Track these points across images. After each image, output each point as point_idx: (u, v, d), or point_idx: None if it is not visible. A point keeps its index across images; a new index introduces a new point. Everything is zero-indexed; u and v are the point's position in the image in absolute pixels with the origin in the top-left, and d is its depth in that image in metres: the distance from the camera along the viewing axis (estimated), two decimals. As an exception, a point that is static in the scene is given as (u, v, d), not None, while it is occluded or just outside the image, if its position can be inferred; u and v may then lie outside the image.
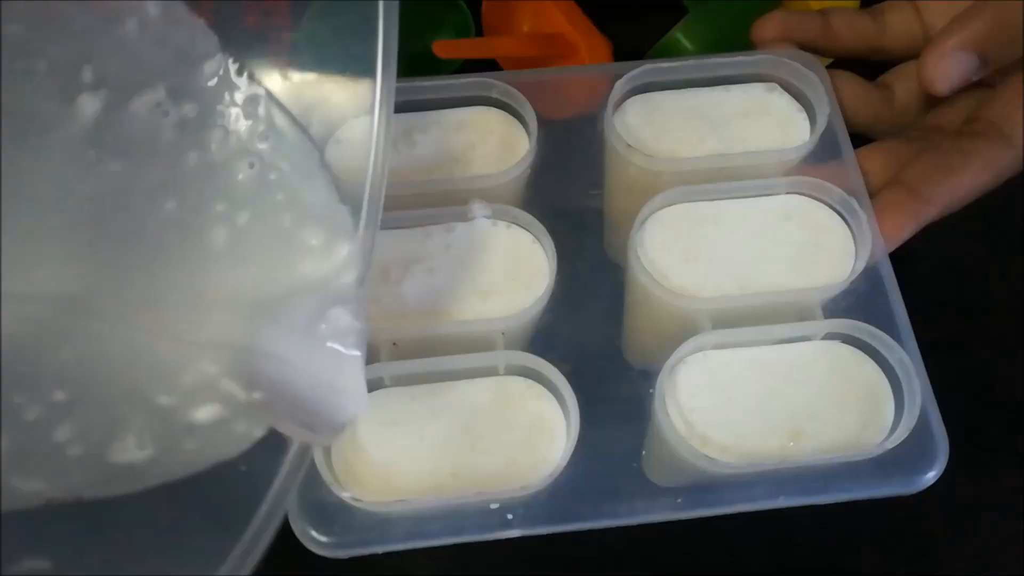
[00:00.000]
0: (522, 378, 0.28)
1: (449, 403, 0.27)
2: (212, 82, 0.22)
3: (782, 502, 0.26)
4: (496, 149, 0.31)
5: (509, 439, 0.27)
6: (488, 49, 0.39)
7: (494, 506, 0.26)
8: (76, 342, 0.21)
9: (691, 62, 0.32)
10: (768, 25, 0.33)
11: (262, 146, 0.23)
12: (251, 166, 0.22)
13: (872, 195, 0.30)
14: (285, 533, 0.22)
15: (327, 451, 0.26)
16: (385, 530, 0.26)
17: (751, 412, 0.27)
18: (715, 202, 0.30)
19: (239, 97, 0.23)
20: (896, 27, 0.34)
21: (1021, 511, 0.33)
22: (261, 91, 0.23)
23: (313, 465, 0.25)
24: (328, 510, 0.26)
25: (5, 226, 0.20)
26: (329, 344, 0.21)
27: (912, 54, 0.32)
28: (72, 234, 0.21)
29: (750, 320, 0.28)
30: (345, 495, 0.25)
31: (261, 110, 0.23)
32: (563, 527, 0.26)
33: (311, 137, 0.22)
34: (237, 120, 0.23)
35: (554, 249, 0.29)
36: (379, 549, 0.26)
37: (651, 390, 0.27)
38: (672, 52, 0.38)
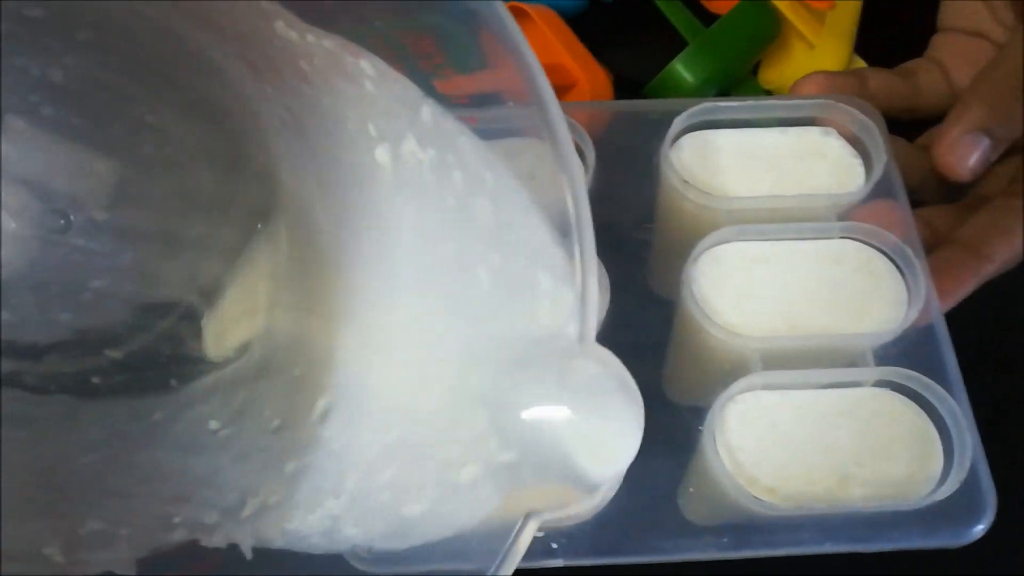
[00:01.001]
0: (570, 407, 0.28)
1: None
2: (431, 126, 0.21)
3: (828, 548, 0.26)
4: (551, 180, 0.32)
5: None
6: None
7: (539, 534, 0.26)
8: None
9: (750, 103, 0.32)
10: (808, 84, 0.34)
11: (487, 179, 0.21)
12: (488, 204, 0.20)
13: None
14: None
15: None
16: (426, 551, 0.26)
17: (799, 455, 0.27)
18: (769, 242, 0.30)
19: (453, 136, 0.21)
20: (926, 87, 0.35)
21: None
22: (465, 128, 0.21)
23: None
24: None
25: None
26: (586, 395, 0.19)
27: (943, 112, 0.33)
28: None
29: (800, 362, 0.28)
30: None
31: (473, 145, 0.21)
32: (608, 559, 0.26)
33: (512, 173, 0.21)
34: (462, 158, 0.21)
35: (608, 282, 0.29)
36: (421, 569, 0.26)
37: (700, 427, 0.27)
38: (672, 83, 0.38)
